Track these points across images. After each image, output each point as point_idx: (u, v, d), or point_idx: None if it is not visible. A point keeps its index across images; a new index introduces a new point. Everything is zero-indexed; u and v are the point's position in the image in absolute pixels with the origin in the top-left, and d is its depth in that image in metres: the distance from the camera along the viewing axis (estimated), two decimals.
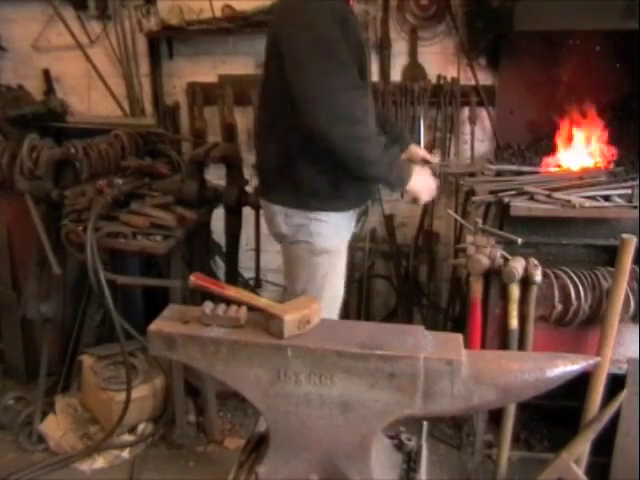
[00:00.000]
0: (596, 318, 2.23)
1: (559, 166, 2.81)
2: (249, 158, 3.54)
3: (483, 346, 2.33)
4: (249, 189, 2.93)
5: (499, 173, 2.79)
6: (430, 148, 3.36)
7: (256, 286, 3.28)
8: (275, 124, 2.13)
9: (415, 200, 2.19)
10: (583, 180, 2.54)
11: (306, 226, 2.16)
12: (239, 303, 1.54)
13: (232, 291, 1.58)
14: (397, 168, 2.08)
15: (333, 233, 2.19)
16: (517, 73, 3.24)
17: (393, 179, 2.10)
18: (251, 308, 1.54)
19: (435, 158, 2.68)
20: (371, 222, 3.56)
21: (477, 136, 3.33)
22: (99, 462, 2.67)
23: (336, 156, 1.96)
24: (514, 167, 2.78)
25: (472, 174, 2.79)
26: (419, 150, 2.63)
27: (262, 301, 1.57)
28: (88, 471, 2.64)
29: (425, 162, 2.58)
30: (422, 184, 2.16)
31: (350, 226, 2.34)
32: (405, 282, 3.54)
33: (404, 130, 2.59)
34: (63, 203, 2.68)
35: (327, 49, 1.89)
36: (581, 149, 2.87)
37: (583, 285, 2.21)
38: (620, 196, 2.39)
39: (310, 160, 2.08)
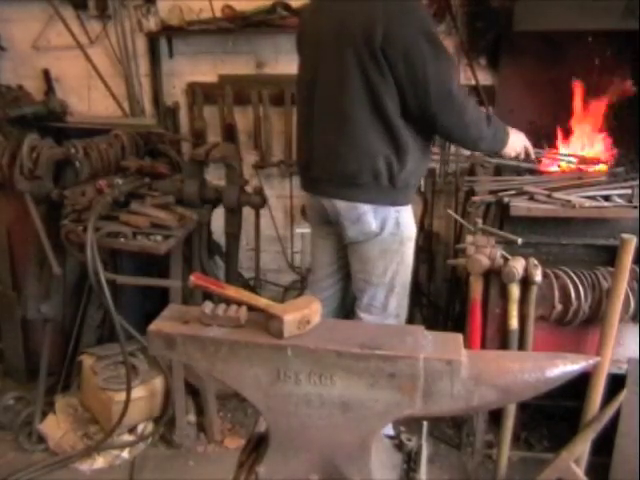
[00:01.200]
0: (596, 318, 2.23)
1: (559, 166, 2.82)
2: (249, 158, 3.55)
3: (483, 346, 2.33)
4: (249, 189, 2.94)
5: (498, 170, 2.79)
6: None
7: (256, 286, 3.28)
8: (355, 125, 2.18)
9: (515, 156, 2.48)
10: (583, 180, 2.54)
11: (394, 218, 2.31)
12: (239, 303, 1.54)
13: (232, 291, 1.58)
14: (500, 135, 2.35)
15: (412, 222, 2.40)
16: (517, 73, 3.24)
17: (498, 147, 2.40)
18: (251, 308, 1.54)
19: None
20: None
21: None
22: (99, 462, 2.67)
23: (455, 140, 2.46)
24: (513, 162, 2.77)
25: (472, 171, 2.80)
26: None
27: (262, 301, 1.56)
28: (88, 471, 2.64)
29: None
30: (519, 143, 2.45)
31: None
32: None
33: None
34: (63, 203, 2.68)
35: (440, 44, 2.12)
36: (581, 149, 2.87)
37: (583, 285, 2.21)
38: (620, 196, 2.39)
39: (411, 156, 2.22)
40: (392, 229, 2.31)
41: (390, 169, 2.21)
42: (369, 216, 2.27)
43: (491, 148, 2.42)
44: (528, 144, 2.50)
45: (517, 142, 2.44)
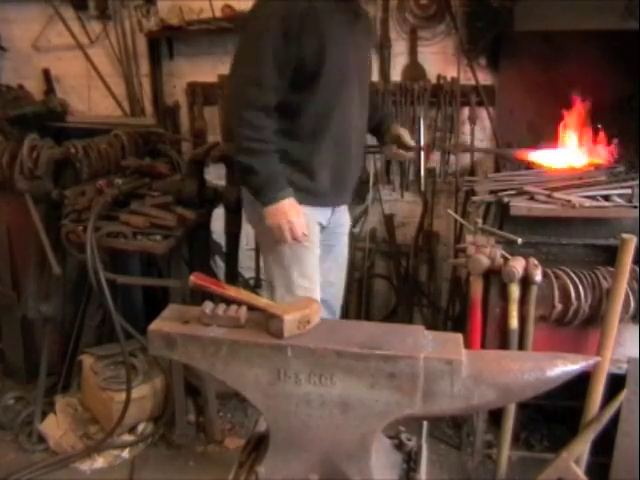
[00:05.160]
0: (596, 318, 2.23)
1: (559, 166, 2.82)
2: None
3: (483, 346, 2.32)
4: None
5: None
6: (430, 148, 3.37)
7: (256, 286, 3.28)
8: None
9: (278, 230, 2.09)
10: (583, 180, 2.54)
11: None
12: (239, 303, 1.54)
13: (232, 291, 1.58)
14: (264, 186, 2.06)
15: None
16: (517, 73, 3.24)
17: (256, 191, 2.10)
18: (251, 308, 1.54)
19: (412, 142, 2.50)
20: (371, 222, 3.56)
21: (477, 136, 3.33)
22: (99, 462, 2.67)
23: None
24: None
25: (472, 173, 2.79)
26: (401, 131, 2.49)
27: (262, 301, 1.57)
28: (88, 471, 2.64)
29: (402, 146, 2.49)
30: (283, 217, 2.05)
31: (322, 222, 2.31)
32: (405, 282, 3.54)
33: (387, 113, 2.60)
34: (63, 203, 2.68)
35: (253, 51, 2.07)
36: (581, 149, 2.87)
37: (583, 285, 2.21)
38: (620, 196, 2.39)
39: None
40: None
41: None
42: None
43: (246, 182, 2.15)
44: (296, 227, 2.07)
45: (282, 216, 2.05)
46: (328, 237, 2.39)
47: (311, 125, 2.13)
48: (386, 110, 2.65)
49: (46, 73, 3.67)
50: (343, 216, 2.47)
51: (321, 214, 2.29)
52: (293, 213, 2.07)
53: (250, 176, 2.07)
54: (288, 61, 2.00)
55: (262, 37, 2.00)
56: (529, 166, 2.77)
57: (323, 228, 2.33)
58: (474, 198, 2.53)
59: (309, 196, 2.17)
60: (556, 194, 2.37)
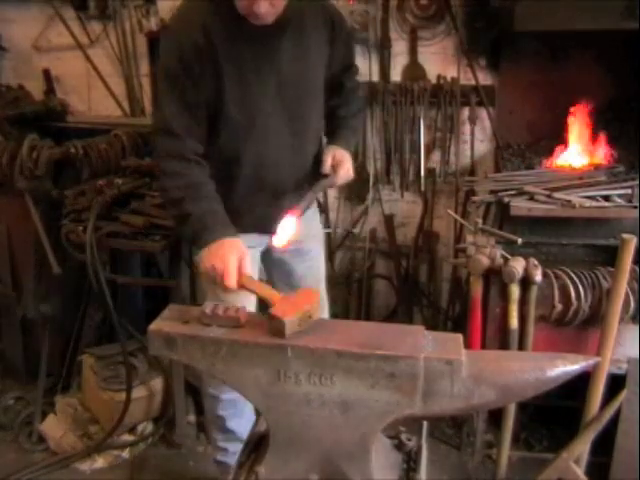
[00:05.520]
0: (596, 318, 2.23)
1: (559, 166, 2.82)
2: None
3: (483, 346, 2.33)
4: None
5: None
6: (430, 148, 3.37)
7: None
8: None
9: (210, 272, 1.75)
10: (583, 180, 2.54)
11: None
12: (241, 287, 1.62)
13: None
14: (195, 225, 1.81)
15: None
16: (517, 73, 3.23)
17: (185, 229, 1.87)
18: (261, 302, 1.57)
19: (330, 175, 2.05)
20: (371, 222, 3.56)
21: (477, 136, 3.33)
22: (99, 462, 2.68)
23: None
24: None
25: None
26: (329, 158, 2.05)
27: (265, 290, 1.59)
28: (88, 471, 2.64)
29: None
30: (215, 259, 1.70)
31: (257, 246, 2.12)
32: (405, 282, 3.54)
33: (347, 129, 2.17)
34: (63, 203, 2.68)
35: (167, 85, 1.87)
36: (581, 149, 2.87)
37: (583, 285, 2.22)
38: (620, 196, 2.39)
39: None
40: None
41: None
42: None
43: (181, 227, 1.91)
44: (230, 270, 1.66)
45: (222, 256, 1.70)
46: (271, 263, 2.22)
47: (222, 171, 1.96)
48: (349, 128, 2.19)
49: (46, 73, 3.67)
50: (305, 228, 2.06)
51: (253, 239, 2.07)
52: (229, 253, 1.71)
53: (182, 226, 1.87)
54: (196, 101, 1.84)
55: (164, 81, 1.87)
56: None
57: (263, 254, 2.19)
58: (474, 198, 2.53)
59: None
60: (556, 194, 2.37)
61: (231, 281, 1.65)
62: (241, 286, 1.66)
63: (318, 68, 2.01)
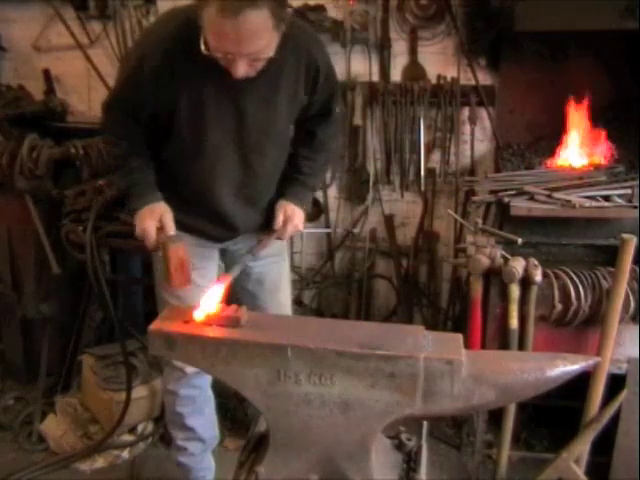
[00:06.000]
0: (596, 318, 2.23)
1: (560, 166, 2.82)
2: None
3: (483, 346, 2.32)
4: None
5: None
6: (430, 148, 3.37)
7: None
8: None
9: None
10: (583, 180, 2.54)
11: None
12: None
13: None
14: (130, 188, 1.98)
15: None
16: (517, 73, 3.24)
17: (125, 192, 2.05)
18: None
19: (279, 230, 2.07)
20: (371, 222, 3.56)
21: (477, 136, 3.33)
22: (99, 462, 2.67)
23: None
24: None
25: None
26: (280, 214, 2.07)
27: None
28: (88, 471, 2.64)
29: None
30: (140, 223, 1.92)
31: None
32: (405, 282, 3.54)
33: (304, 187, 2.16)
34: (63, 203, 2.68)
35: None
36: (581, 149, 2.87)
37: (583, 285, 2.22)
38: (620, 196, 2.39)
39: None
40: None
41: None
42: None
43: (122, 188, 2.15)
44: (148, 233, 1.90)
45: (141, 221, 1.92)
46: (233, 260, 2.17)
47: (171, 180, 2.01)
48: (307, 187, 2.17)
49: (46, 73, 3.67)
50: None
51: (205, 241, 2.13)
52: (147, 218, 1.92)
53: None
54: (140, 109, 1.91)
55: (122, 74, 1.99)
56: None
57: (224, 251, 2.21)
58: (474, 198, 2.53)
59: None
60: (556, 194, 2.37)
61: (149, 243, 1.91)
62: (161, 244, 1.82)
63: (287, 116, 1.99)
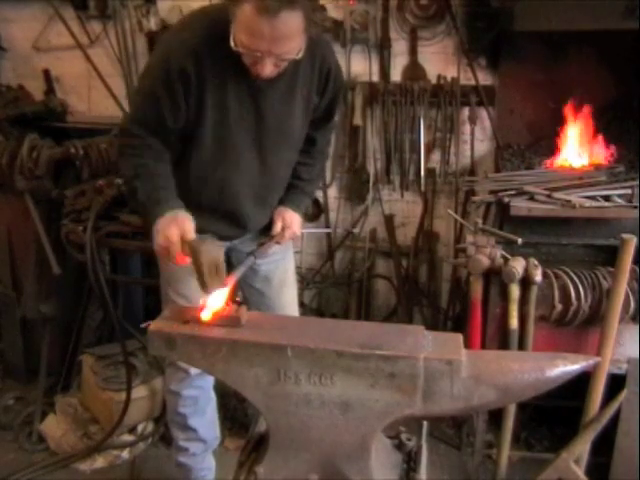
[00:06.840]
0: (596, 318, 2.23)
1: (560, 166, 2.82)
2: None
3: (483, 346, 2.33)
4: None
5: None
6: (430, 148, 3.37)
7: None
8: None
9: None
10: (583, 180, 2.54)
11: None
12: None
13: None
14: (147, 207, 1.87)
15: None
16: (517, 73, 3.24)
17: (141, 208, 1.94)
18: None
19: (277, 235, 2.11)
20: (371, 222, 3.56)
21: (477, 136, 3.33)
22: (99, 462, 2.67)
23: None
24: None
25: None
26: (279, 221, 2.12)
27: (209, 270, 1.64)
28: (88, 471, 2.64)
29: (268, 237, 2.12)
30: (161, 236, 1.79)
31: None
32: (405, 282, 3.54)
33: (302, 194, 2.20)
34: (63, 203, 2.68)
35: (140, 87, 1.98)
36: (581, 149, 2.87)
37: (583, 285, 2.22)
38: (620, 196, 2.39)
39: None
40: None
41: None
42: None
43: (135, 206, 2.08)
44: (173, 241, 1.77)
45: (165, 228, 1.79)
46: (238, 259, 2.16)
47: (190, 184, 2.00)
48: (305, 193, 2.22)
49: (46, 73, 3.67)
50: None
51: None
52: (171, 225, 1.79)
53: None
54: (166, 116, 1.84)
55: (143, 85, 1.92)
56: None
57: (230, 249, 2.18)
58: (474, 198, 2.53)
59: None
60: (556, 194, 2.37)
61: (173, 251, 1.76)
62: (191, 250, 1.71)
63: (303, 117, 2.01)
